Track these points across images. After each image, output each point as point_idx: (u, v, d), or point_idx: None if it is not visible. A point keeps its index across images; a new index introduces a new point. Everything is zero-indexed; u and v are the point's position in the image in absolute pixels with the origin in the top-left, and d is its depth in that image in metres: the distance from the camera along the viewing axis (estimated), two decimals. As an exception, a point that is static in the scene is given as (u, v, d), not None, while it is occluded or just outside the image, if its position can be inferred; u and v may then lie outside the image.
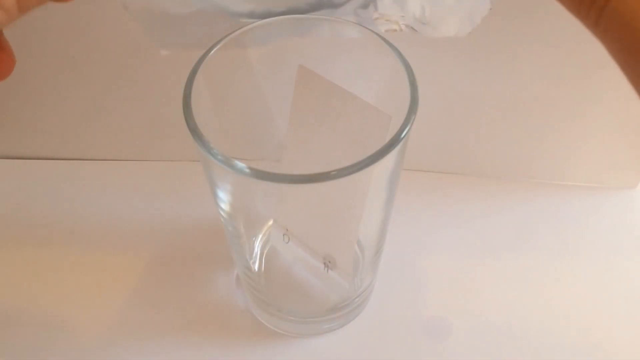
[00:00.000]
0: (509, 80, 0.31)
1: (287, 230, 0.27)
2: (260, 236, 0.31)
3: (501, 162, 0.35)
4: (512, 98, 0.31)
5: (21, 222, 0.34)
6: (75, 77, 0.33)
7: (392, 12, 0.21)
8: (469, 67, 0.30)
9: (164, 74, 0.32)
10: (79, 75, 0.33)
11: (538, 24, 0.28)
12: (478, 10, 0.15)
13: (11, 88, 0.34)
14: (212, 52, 0.22)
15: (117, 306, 0.30)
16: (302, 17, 0.23)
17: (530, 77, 0.30)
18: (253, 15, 0.22)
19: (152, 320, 0.30)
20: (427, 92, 0.23)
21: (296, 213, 0.27)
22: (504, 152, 0.35)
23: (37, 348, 0.29)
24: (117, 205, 0.35)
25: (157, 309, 0.30)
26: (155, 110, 0.34)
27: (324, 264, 0.27)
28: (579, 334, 0.29)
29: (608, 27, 0.14)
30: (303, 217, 0.27)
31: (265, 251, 0.31)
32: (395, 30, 0.21)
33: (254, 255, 0.31)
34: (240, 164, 0.19)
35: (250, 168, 0.19)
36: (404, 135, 0.20)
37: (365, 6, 0.21)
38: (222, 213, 0.24)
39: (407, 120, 0.20)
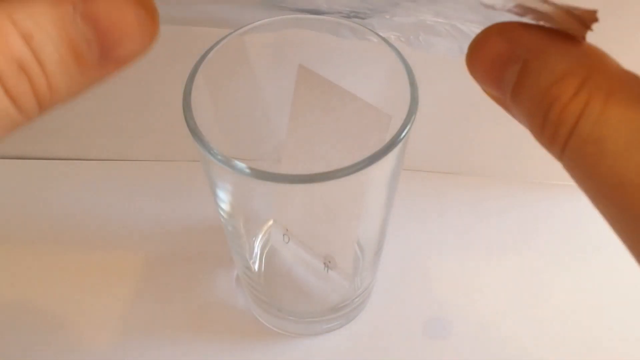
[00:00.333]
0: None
1: (287, 230, 0.27)
2: (260, 236, 0.31)
3: (501, 162, 0.35)
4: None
5: (21, 222, 0.34)
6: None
7: (389, 34, 0.21)
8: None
9: (164, 73, 0.32)
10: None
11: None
12: (467, 44, 0.15)
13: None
14: (212, 52, 0.22)
15: (117, 306, 0.30)
16: (303, 17, 0.23)
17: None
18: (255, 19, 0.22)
19: (152, 320, 0.30)
20: (427, 92, 0.23)
21: (296, 213, 0.27)
22: (504, 152, 0.35)
23: (37, 348, 0.29)
24: (117, 205, 0.35)
25: (157, 309, 0.30)
26: (155, 110, 0.34)
27: (324, 264, 0.27)
28: (579, 334, 0.29)
29: (573, 162, 0.13)
30: (303, 217, 0.27)
31: (265, 251, 0.31)
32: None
33: (254, 255, 0.31)
34: (240, 164, 0.19)
35: (250, 168, 0.19)
36: (404, 136, 0.20)
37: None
38: (222, 213, 0.24)
39: (407, 120, 0.20)
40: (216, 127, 0.23)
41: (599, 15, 0.13)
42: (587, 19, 0.13)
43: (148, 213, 0.35)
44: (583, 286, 0.31)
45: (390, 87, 0.22)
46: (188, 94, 0.20)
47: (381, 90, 0.23)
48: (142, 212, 0.35)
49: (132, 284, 0.31)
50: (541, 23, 0.14)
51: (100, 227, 0.34)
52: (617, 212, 0.13)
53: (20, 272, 0.32)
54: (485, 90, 0.15)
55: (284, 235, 0.28)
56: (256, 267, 0.31)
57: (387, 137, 0.20)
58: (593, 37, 0.14)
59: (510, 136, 0.34)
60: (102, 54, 0.13)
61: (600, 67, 0.13)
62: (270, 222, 0.30)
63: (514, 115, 0.15)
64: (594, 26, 0.13)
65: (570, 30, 0.14)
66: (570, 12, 0.13)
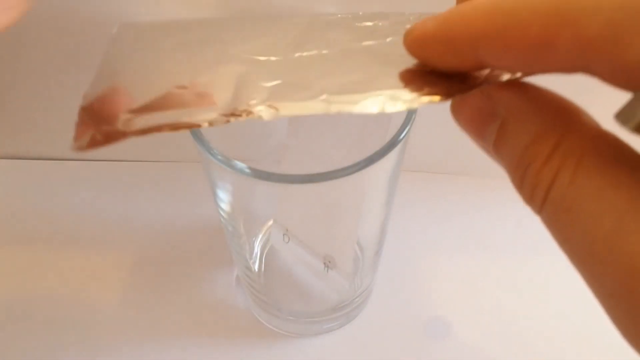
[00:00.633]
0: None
1: (287, 230, 0.27)
2: (260, 236, 0.31)
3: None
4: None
5: (21, 222, 0.34)
6: (75, 77, 0.33)
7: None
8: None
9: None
10: (80, 75, 0.33)
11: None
12: None
13: (11, 88, 0.34)
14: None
15: (117, 306, 0.30)
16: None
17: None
18: None
19: (152, 320, 0.30)
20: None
21: (296, 213, 0.27)
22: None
23: (36, 348, 0.29)
24: (117, 205, 0.35)
25: (157, 309, 0.30)
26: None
27: (324, 264, 0.27)
28: (579, 334, 0.29)
29: (549, 224, 0.13)
30: (303, 217, 0.27)
31: (265, 251, 0.31)
32: None
33: (254, 255, 0.31)
34: (240, 164, 0.19)
35: (250, 168, 0.19)
36: (404, 136, 0.20)
37: None
38: (222, 213, 0.24)
39: (407, 120, 0.20)
40: (216, 127, 0.23)
41: None
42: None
43: (148, 213, 0.35)
44: (583, 286, 0.31)
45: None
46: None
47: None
48: (142, 212, 0.35)
49: (132, 283, 0.31)
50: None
51: (100, 227, 0.34)
52: (590, 278, 0.13)
53: (20, 272, 0.32)
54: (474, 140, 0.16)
55: (284, 235, 0.28)
56: (256, 267, 0.31)
57: (387, 137, 0.20)
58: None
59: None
60: None
61: (573, 127, 0.13)
62: (270, 222, 0.30)
63: (500, 165, 0.15)
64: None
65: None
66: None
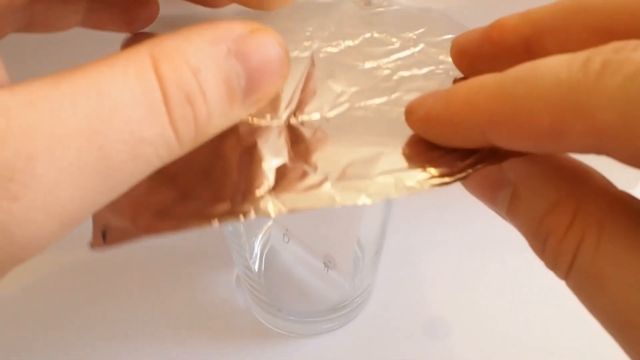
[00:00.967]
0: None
1: (287, 230, 0.27)
2: (260, 236, 0.31)
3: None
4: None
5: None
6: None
7: None
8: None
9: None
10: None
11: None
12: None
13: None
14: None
15: (117, 306, 0.31)
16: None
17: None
18: None
19: (152, 320, 0.30)
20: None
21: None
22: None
23: (36, 347, 0.29)
24: (117, 205, 0.35)
25: (157, 309, 0.30)
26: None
27: (324, 264, 0.27)
28: (579, 334, 0.29)
29: (576, 290, 0.13)
30: (303, 217, 0.27)
31: (265, 251, 0.31)
32: None
33: (254, 255, 0.31)
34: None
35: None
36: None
37: None
38: (222, 213, 0.24)
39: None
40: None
41: None
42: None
43: (148, 213, 0.34)
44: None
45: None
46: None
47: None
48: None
49: (132, 283, 0.31)
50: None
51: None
52: (624, 345, 0.13)
53: (20, 272, 0.32)
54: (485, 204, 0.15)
55: (284, 235, 0.28)
56: (256, 267, 0.31)
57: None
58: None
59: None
60: (248, 90, 0.14)
61: (589, 193, 0.13)
62: (270, 222, 0.30)
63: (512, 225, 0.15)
64: None
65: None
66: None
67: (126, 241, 0.14)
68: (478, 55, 0.15)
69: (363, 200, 0.14)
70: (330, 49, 0.19)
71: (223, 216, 0.14)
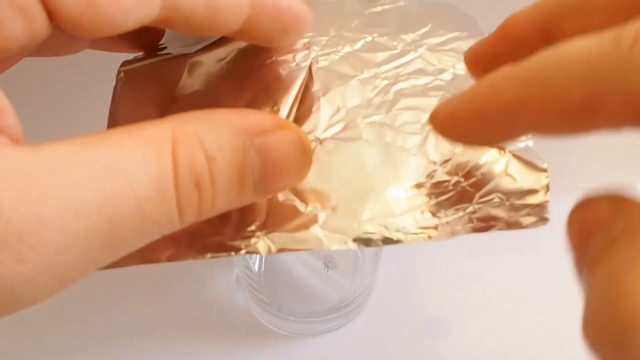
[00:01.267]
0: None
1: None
2: (260, 236, 0.31)
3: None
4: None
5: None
6: (76, 77, 0.33)
7: None
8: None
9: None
10: (80, 75, 0.33)
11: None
12: None
13: (11, 89, 0.34)
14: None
15: (117, 306, 0.30)
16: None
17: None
18: None
19: (152, 320, 0.30)
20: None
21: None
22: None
23: (36, 347, 0.29)
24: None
25: (157, 309, 0.30)
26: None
27: (324, 264, 0.27)
28: (579, 334, 0.29)
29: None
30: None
31: (265, 251, 0.31)
32: None
33: (254, 255, 0.31)
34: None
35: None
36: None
37: None
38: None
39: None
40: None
41: None
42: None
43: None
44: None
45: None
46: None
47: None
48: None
49: (132, 283, 0.31)
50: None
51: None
52: None
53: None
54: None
55: (284, 235, 0.28)
56: (256, 267, 0.31)
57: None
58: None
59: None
60: (260, 183, 0.14)
61: None
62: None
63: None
64: None
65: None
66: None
67: (125, 265, 0.14)
68: (495, 57, 0.15)
69: (349, 245, 0.15)
70: (328, 58, 0.19)
71: (216, 251, 0.14)
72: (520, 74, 0.12)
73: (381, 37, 0.19)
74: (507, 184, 0.16)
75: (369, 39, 0.19)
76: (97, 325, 0.30)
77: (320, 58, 0.19)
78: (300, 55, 0.19)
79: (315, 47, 0.19)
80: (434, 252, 0.33)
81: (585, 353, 0.11)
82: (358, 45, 0.19)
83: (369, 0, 0.21)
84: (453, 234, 0.15)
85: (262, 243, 0.15)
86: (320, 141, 0.17)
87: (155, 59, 0.18)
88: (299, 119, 0.17)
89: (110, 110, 0.18)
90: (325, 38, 0.19)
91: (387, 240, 0.15)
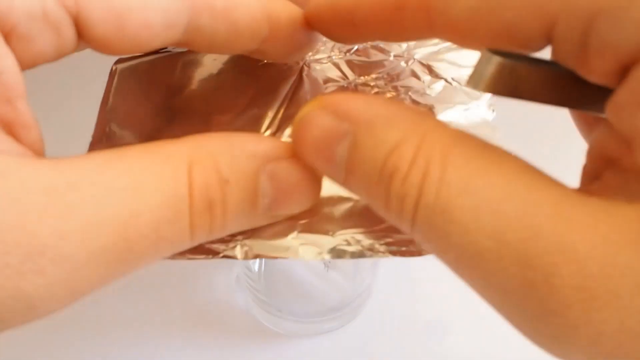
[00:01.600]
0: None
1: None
2: (260, 236, 0.31)
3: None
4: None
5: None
6: (75, 77, 0.33)
7: None
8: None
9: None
10: (80, 75, 0.33)
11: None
12: None
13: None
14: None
15: (117, 306, 0.30)
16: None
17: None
18: None
19: (152, 320, 0.30)
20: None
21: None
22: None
23: (35, 347, 0.29)
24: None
25: (157, 309, 0.30)
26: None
27: (324, 264, 0.27)
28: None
29: (426, 235, 0.13)
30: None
31: (265, 251, 0.31)
32: None
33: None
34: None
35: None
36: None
37: None
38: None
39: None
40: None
41: None
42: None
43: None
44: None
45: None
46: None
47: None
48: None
49: (132, 283, 0.31)
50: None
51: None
52: (481, 281, 0.13)
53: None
54: (321, 173, 0.14)
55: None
56: (256, 267, 0.31)
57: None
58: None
59: (510, 135, 0.34)
60: (270, 208, 0.14)
61: (432, 128, 0.12)
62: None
63: (354, 193, 0.14)
64: None
65: None
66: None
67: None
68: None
69: (323, 256, 0.15)
70: (320, 63, 0.19)
71: (194, 253, 0.15)
72: None
73: (374, 46, 0.20)
74: None
75: (361, 46, 0.20)
76: (97, 325, 0.30)
77: (312, 63, 0.19)
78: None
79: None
80: (434, 252, 0.33)
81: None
82: (350, 52, 0.20)
83: None
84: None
85: (239, 248, 0.15)
86: None
87: (151, 57, 0.19)
88: (286, 121, 0.17)
89: (102, 106, 0.18)
90: (319, 43, 0.20)
91: (360, 254, 0.15)
